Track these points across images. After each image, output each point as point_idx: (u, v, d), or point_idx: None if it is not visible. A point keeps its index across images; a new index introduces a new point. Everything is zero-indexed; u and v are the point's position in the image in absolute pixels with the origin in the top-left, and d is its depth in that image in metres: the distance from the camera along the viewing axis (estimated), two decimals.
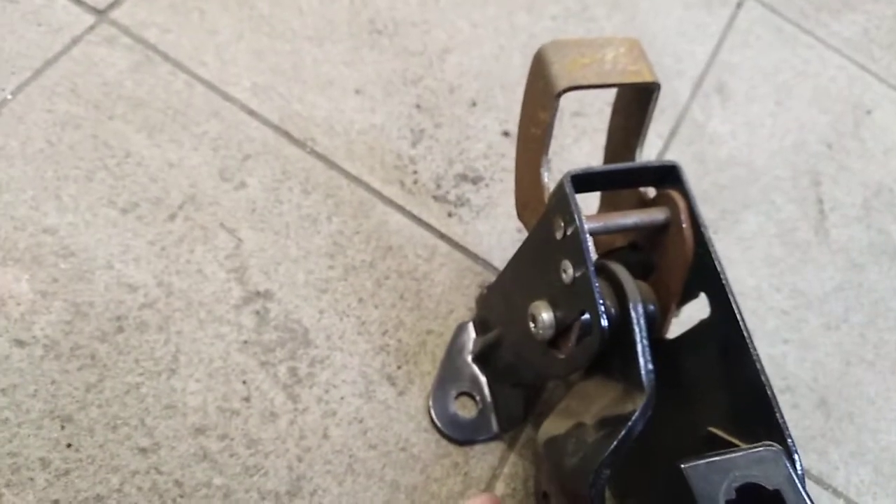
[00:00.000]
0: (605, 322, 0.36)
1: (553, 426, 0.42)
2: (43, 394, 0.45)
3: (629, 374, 0.38)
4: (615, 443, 0.37)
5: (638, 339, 0.38)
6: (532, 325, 0.41)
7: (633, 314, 0.38)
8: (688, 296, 0.40)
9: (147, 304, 0.49)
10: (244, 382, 0.48)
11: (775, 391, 0.36)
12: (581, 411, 0.41)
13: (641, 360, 0.37)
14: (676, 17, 0.74)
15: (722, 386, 0.38)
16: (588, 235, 0.38)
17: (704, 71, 0.71)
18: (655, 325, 0.40)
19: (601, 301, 0.36)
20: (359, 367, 0.50)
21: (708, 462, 0.33)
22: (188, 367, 0.48)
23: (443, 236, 0.57)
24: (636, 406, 0.37)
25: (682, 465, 0.33)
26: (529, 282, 0.42)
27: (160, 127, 0.56)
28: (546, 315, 0.40)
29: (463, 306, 0.54)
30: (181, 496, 0.44)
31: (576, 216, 0.37)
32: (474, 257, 0.56)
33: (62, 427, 0.45)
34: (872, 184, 0.68)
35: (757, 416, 0.36)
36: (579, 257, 0.37)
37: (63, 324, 0.47)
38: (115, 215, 0.52)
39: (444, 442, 0.49)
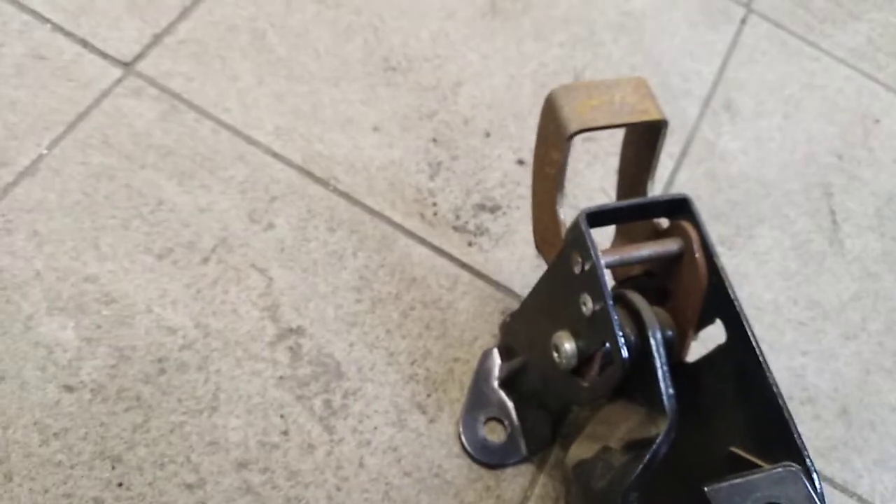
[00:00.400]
0: (625, 353, 0.38)
1: (581, 450, 0.44)
2: (93, 436, 0.48)
3: (651, 398, 0.40)
4: (641, 466, 0.38)
5: (658, 365, 0.39)
6: (556, 354, 0.42)
7: (652, 341, 0.40)
8: (704, 321, 0.42)
9: (186, 346, 0.52)
10: (282, 416, 0.50)
11: (796, 402, 0.38)
12: (607, 435, 0.42)
13: (662, 386, 0.39)
14: (682, 37, 0.75)
15: (741, 408, 0.40)
16: (605, 269, 0.39)
17: (712, 89, 0.73)
18: (674, 349, 0.42)
19: (621, 333, 0.38)
20: (390, 396, 0.52)
21: (730, 484, 0.34)
22: (228, 404, 0.50)
23: (464, 265, 0.59)
24: (660, 430, 0.39)
25: (706, 488, 0.34)
26: (551, 312, 0.44)
27: (189, 173, 0.59)
28: (569, 345, 0.42)
29: (487, 333, 0.56)
30: None
31: (592, 253, 0.39)
32: (496, 284, 0.58)
33: (113, 467, 0.47)
34: (883, 193, 0.70)
35: (776, 436, 0.37)
36: (598, 292, 0.39)
37: (108, 368, 0.50)
38: (151, 261, 0.54)
39: (475, 466, 0.51)
